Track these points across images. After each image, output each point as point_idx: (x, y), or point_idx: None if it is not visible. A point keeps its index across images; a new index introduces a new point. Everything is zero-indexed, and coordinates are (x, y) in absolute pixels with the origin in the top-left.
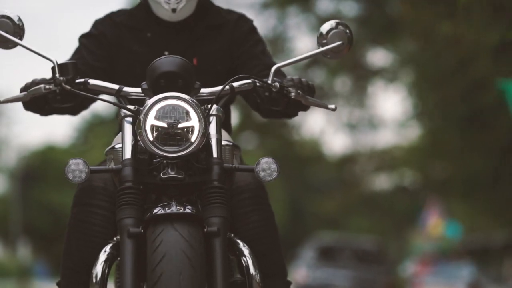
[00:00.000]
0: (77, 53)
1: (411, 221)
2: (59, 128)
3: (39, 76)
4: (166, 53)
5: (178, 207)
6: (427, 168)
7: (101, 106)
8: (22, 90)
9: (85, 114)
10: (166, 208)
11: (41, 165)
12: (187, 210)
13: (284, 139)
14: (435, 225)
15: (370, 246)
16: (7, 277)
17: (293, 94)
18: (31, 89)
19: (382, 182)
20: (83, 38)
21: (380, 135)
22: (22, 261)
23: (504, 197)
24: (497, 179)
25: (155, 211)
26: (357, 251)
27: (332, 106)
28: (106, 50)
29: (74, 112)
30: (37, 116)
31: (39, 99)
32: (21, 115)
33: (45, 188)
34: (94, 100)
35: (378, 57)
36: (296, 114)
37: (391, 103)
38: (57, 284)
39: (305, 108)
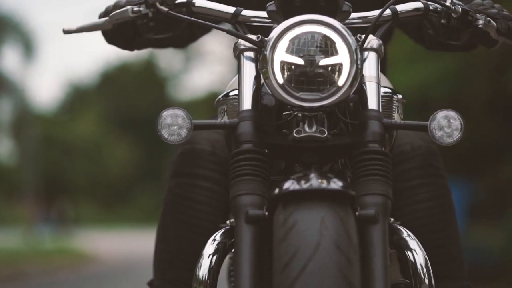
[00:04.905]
0: None
1: None
2: (37, 97)
3: None
4: None
5: (320, 180)
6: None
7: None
8: (101, 15)
9: (64, 84)
10: (303, 182)
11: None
12: (333, 185)
13: None
14: None
15: None
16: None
17: (481, 22)
18: (113, 12)
19: None
20: None
21: None
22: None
23: None
24: None
25: (286, 185)
26: None
27: None
28: None
29: (178, 44)
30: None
31: (126, 27)
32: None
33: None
34: (204, 28)
35: None
36: (475, 47)
37: None
38: (149, 284)
39: (493, 43)
